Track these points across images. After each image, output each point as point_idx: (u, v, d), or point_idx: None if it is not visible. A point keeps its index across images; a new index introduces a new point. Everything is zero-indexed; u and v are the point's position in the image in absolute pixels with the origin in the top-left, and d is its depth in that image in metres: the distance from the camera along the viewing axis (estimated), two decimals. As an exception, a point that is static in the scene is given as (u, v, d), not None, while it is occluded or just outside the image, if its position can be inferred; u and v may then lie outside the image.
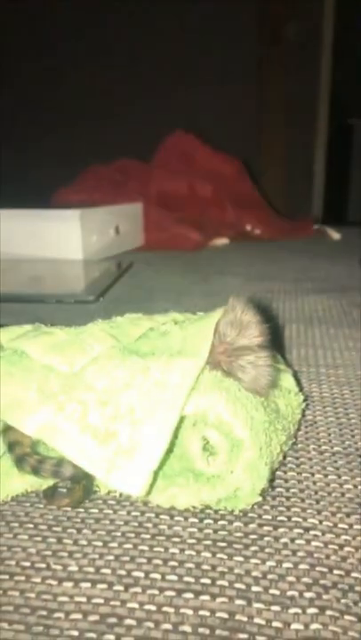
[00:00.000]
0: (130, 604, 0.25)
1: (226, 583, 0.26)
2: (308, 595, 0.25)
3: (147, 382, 0.28)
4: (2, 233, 1.06)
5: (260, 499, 0.30)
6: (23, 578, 0.26)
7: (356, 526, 0.30)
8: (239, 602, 0.25)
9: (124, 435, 0.27)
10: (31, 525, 0.30)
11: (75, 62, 1.83)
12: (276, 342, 0.35)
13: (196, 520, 0.30)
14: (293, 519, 0.30)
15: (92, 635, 0.23)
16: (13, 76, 1.75)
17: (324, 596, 0.25)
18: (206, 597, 0.25)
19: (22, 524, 0.30)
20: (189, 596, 0.25)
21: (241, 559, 0.28)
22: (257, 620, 0.24)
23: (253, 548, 0.28)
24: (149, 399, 0.28)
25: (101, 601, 0.25)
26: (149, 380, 0.28)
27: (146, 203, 1.30)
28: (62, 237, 1.03)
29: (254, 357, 0.31)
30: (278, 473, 0.34)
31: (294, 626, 0.24)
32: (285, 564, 0.27)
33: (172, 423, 0.27)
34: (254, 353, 0.31)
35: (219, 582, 0.26)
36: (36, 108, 1.75)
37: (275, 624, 0.24)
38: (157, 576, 0.27)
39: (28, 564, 0.27)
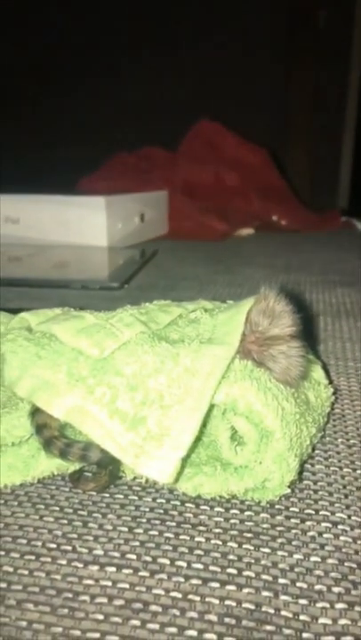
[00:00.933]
0: (155, 591, 0.25)
1: (252, 574, 0.26)
2: (336, 589, 0.25)
3: (177, 369, 0.28)
4: (28, 219, 1.06)
5: (288, 491, 0.30)
6: (49, 559, 0.27)
7: (386, 523, 0.29)
8: (266, 593, 0.25)
9: (153, 420, 0.26)
10: (57, 508, 0.30)
11: (109, 50, 1.83)
12: (307, 333, 0.34)
13: (222, 510, 0.30)
14: (321, 513, 0.30)
15: (117, 619, 0.23)
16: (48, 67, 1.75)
17: (353, 592, 0.25)
18: (232, 587, 0.25)
19: (48, 507, 0.30)
20: (215, 585, 0.25)
21: (268, 551, 0.27)
22: (284, 613, 0.24)
23: (280, 540, 0.28)
24: (179, 386, 0.27)
25: (127, 586, 0.25)
26: (179, 367, 0.28)
27: (171, 191, 1.29)
28: (87, 224, 1.03)
29: (286, 347, 0.30)
30: (306, 466, 0.34)
31: (322, 620, 0.23)
32: (313, 558, 0.27)
33: (202, 411, 0.27)
34: (286, 343, 0.30)
35: (245, 573, 0.26)
36: (64, 96, 1.74)
37: (302, 617, 0.24)
38: (183, 564, 0.26)
39: (54, 545, 0.27)
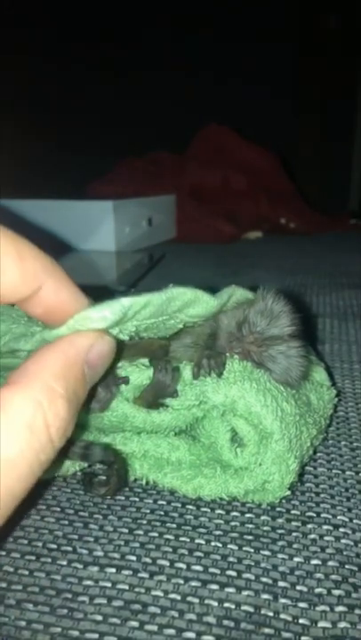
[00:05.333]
0: (154, 592, 0.25)
1: (252, 577, 0.26)
2: (336, 592, 0.25)
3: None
4: (37, 223, 1.07)
5: (288, 493, 0.30)
6: (49, 560, 0.27)
7: (388, 526, 0.29)
8: (265, 596, 0.25)
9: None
10: (58, 509, 0.30)
11: (114, 54, 1.84)
12: (307, 334, 0.34)
13: (222, 512, 0.30)
14: (322, 515, 0.30)
15: (116, 620, 0.23)
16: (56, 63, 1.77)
17: (354, 595, 0.25)
18: (232, 590, 0.25)
19: (49, 507, 0.30)
20: (215, 587, 0.25)
21: (268, 553, 0.27)
22: (283, 616, 0.24)
23: (281, 543, 0.28)
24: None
25: (126, 587, 0.25)
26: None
27: (179, 195, 1.30)
28: (96, 228, 1.04)
29: (286, 347, 0.30)
30: (308, 468, 0.33)
31: (322, 624, 0.23)
32: (314, 561, 0.27)
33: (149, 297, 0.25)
34: (286, 343, 0.30)
35: (245, 575, 0.26)
36: (74, 100, 1.76)
37: (301, 621, 0.23)
38: (182, 565, 0.26)
39: (54, 546, 0.28)
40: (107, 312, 0.22)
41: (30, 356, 0.21)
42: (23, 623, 0.23)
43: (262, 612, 0.24)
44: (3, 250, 0.20)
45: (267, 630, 0.23)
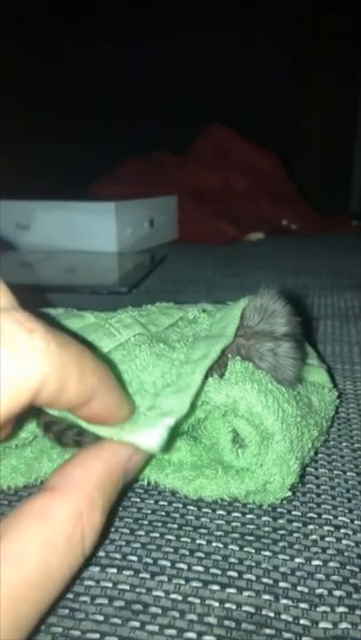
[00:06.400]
0: (156, 592, 0.25)
1: (253, 577, 0.26)
2: (337, 593, 0.25)
3: (171, 362, 0.28)
4: (38, 225, 1.07)
5: (289, 494, 0.30)
6: (51, 560, 0.27)
7: (389, 527, 0.29)
8: (266, 597, 0.25)
9: (144, 406, 0.26)
10: (60, 509, 0.30)
11: (118, 58, 1.85)
12: (307, 337, 0.34)
13: (223, 512, 0.30)
14: (324, 516, 0.30)
15: (117, 620, 0.24)
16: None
17: (355, 596, 0.25)
18: (233, 590, 0.25)
19: (51, 508, 0.30)
20: (216, 587, 0.25)
21: (269, 554, 0.27)
22: (284, 617, 0.24)
23: (282, 544, 0.28)
24: (171, 374, 0.27)
25: (127, 587, 0.25)
26: (175, 362, 0.28)
27: (181, 196, 1.30)
28: (97, 229, 1.04)
29: (274, 344, 0.30)
30: (309, 469, 0.33)
31: (323, 624, 0.23)
32: (315, 562, 0.27)
33: (192, 388, 0.26)
34: (275, 340, 0.30)
35: (246, 576, 0.26)
36: (74, 101, 1.76)
37: (302, 621, 0.23)
38: (184, 566, 0.26)
39: (56, 546, 0.28)
40: (154, 442, 0.23)
41: (74, 460, 0.22)
42: (25, 623, 0.23)
43: (263, 612, 0.24)
44: (66, 370, 0.19)
45: (268, 631, 0.23)
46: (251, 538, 0.28)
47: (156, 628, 0.23)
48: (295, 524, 0.29)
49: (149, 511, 0.30)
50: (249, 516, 0.30)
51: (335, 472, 0.33)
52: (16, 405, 0.17)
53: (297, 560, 0.27)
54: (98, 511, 0.21)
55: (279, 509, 0.30)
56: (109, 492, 0.22)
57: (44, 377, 0.18)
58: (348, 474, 0.33)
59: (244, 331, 0.30)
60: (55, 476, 0.21)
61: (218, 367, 0.29)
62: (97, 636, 0.23)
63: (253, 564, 0.26)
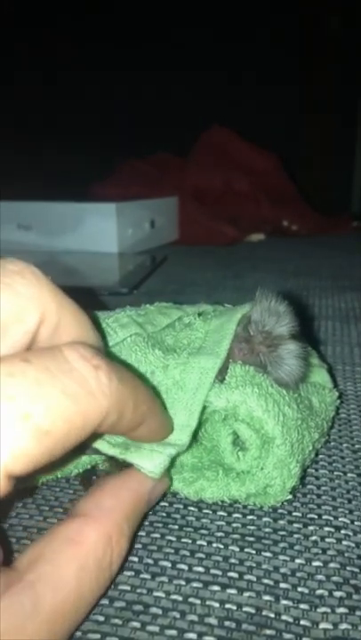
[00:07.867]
0: (156, 593, 0.25)
1: (253, 578, 0.26)
2: (337, 594, 0.25)
3: (166, 381, 0.28)
4: (39, 225, 1.07)
5: (290, 496, 0.30)
6: (52, 561, 0.27)
7: (389, 528, 0.29)
8: (267, 597, 0.25)
9: None
10: (61, 510, 0.30)
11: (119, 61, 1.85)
12: (307, 336, 0.34)
13: (224, 514, 0.30)
14: (324, 517, 0.30)
15: (118, 621, 0.24)
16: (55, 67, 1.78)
17: (355, 596, 0.25)
18: (233, 591, 0.25)
19: (52, 508, 0.31)
20: (216, 588, 0.25)
21: (269, 555, 0.27)
22: (284, 618, 0.24)
23: (282, 545, 0.28)
24: (168, 398, 0.28)
25: (128, 588, 0.25)
26: (168, 380, 0.28)
27: (181, 197, 1.30)
28: (98, 230, 1.04)
29: (294, 347, 0.30)
30: (310, 470, 0.34)
31: (323, 625, 0.23)
32: (315, 563, 0.27)
33: (191, 427, 0.27)
34: (293, 342, 0.30)
35: (246, 577, 0.26)
36: (76, 102, 1.77)
37: (303, 622, 0.24)
38: (184, 567, 0.26)
39: (57, 547, 0.28)
40: (156, 469, 0.25)
41: (104, 488, 0.24)
42: (26, 623, 0.23)
43: (264, 613, 0.24)
44: (125, 403, 0.21)
45: (268, 631, 0.23)
46: (251, 539, 0.28)
47: (156, 629, 0.23)
48: (296, 525, 0.29)
49: (150, 512, 0.30)
50: (250, 517, 0.30)
51: (336, 473, 0.34)
52: (81, 437, 0.19)
53: (297, 561, 0.27)
54: (124, 538, 0.23)
55: (280, 510, 0.30)
56: (135, 520, 0.24)
57: (108, 411, 0.19)
58: (349, 475, 0.33)
59: (263, 337, 0.30)
60: (86, 502, 0.23)
61: (219, 373, 0.29)
62: (98, 636, 0.23)
63: (254, 565, 0.27)
